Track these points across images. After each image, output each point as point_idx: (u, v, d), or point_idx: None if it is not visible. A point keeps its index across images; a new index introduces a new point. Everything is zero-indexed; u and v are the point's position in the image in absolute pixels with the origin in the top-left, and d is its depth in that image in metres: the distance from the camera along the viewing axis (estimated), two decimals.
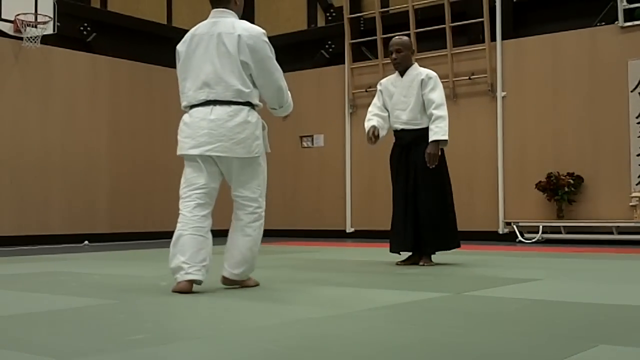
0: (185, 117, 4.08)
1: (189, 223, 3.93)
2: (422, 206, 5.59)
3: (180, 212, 4.00)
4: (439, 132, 5.53)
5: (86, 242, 9.72)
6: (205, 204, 4.01)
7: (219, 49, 3.96)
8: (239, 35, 3.95)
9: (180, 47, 4.13)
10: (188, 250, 3.88)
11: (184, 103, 4.11)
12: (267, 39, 4.04)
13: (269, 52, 4.02)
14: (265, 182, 4.16)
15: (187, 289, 3.87)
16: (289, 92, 4.19)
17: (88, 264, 6.30)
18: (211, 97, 3.97)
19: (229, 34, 3.96)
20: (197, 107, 4.02)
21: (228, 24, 4.01)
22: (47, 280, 4.92)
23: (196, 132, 3.97)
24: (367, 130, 5.71)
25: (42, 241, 9.39)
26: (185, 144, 4.02)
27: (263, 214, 4.14)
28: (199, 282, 3.92)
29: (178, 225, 3.96)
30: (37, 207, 9.59)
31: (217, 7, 4.10)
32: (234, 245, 4.06)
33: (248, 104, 4.01)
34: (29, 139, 9.57)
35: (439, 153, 5.58)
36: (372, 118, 5.75)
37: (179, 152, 4.10)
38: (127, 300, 3.77)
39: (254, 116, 4.03)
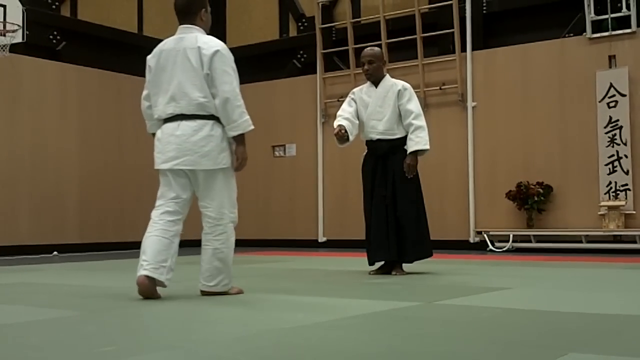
0: (158, 133, 4.27)
1: (155, 226, 4.15)
2: (402, 215, 5.60)
3: (150, 218, 4.20)
4: (420, 142, 5.58)
5: (55, 252, 9.60)
6: (175, 212, 4.20)
7: (184, 64, 4.14)
8: (199, 47, 4.13)
9: (150, 60, 4.30)
10: (149, 249, 4.07)
11: (155, 116, 4.30)
12: (226, 53, 4.17)
13: (224, 65, 4.12)
14: (233, 194, 4.26)
15: (144, 284, 4.01)
16: (243, 113, 4.14)
17: (57, 274, 6.23)
18: (177, 111, 4.15)
19: (192, 48, 4.14)
20: (166, 122, 4.21)
21: (192, 39, 4.18)
22: (15, 291, 4.85)
23: (165, 147, 4.18)
24: (335, 128, 5.65)
25: (10, 252, 9.26)
26: (158, 159, 4.24)
27: (230, 225, 4.22)
28: (159, 283, 4.05)
29: (147, 229, 4.16)
30: (5, 217, 9.46)
31: (183, 24, 4.28)
32: (204, 258, 4.20)
33: (212, 117, 4.17)
34: None
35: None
36: (342, 121, 5.69)
37: (155, 167, 4.28)
38: (97, 311, 3.73)
39: (218, 130, 4.17)
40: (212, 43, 4.15)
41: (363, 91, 5.85)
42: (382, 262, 5.75)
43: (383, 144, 5.69)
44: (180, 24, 4.29)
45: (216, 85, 4.09)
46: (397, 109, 5.68)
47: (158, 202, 4.23)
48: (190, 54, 4.12)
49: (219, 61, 4.10)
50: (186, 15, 4.27)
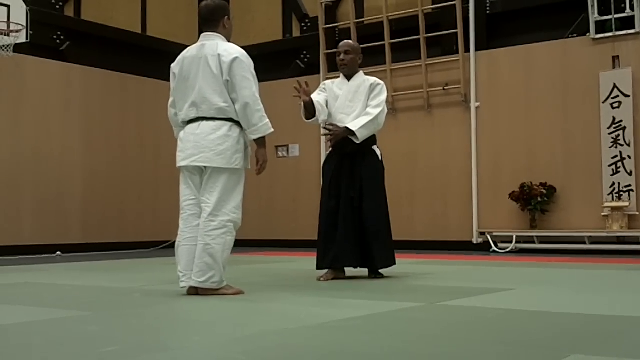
0: (180, 134, 4.45)
1: (182, 234, 4.35)
2: (369, 219, 5.33)
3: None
4: (357, 123, 5.28)
5: (59, 252, 9.61)
6: (196, 214, 4.34)
7: (205, 71, 4.30)
8: (219, 55, 4.27)
9: (174, 67, 4.50)
10: (182, 260, 4.30)
11: (179, 120, 4.48)
12: (245, 59, 4.32)
13: (243, 71, 4.28)
14: (238, 196, 4.34)
15: (190, 292, 4.27)
16: (263, 117, 4.30)
17: (60, 274, 6.24)
18: (199, 115, 4.33)
19: (213, 56, 4.29)
20: (189, 123, 4.39)
21: (213, 46, 4.34)
22: (18, 291, 4.86)
23: (185, 145, 4.36)
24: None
25: (13, 252, 9.26)
26: (179, 158, 4.41)
27: (230, 225, 4.27)
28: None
29: (177, 237, 4.39)
30: (8, 217, 9.47)
31: (206, 31, 4.45)
32: (196, 254, 4.25)
33: (231, 120, 4.32)
34: (0, 148, 9.46)
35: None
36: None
37: (176, 166, 4.45)
38: (100, 311, 3.74)
39: (235, 131, 4.33)
40: (231, 50, 4.31)
41: (335, 84, 5.63)
42: (327, 268, 5.43)
43: (350, 141, 5.33)
44: (204, 31, 4.45)
45: (236, 90, 4.25)
46: (368, 105, 5.44)
47: (181, 205, 4.41)
48: (211, 61, 4.27)
49: (238, 67, 4.25)
50: (209, 22, 4.43)
